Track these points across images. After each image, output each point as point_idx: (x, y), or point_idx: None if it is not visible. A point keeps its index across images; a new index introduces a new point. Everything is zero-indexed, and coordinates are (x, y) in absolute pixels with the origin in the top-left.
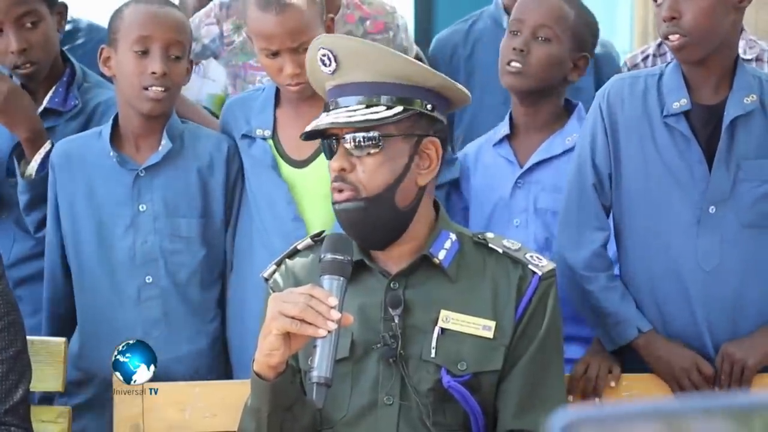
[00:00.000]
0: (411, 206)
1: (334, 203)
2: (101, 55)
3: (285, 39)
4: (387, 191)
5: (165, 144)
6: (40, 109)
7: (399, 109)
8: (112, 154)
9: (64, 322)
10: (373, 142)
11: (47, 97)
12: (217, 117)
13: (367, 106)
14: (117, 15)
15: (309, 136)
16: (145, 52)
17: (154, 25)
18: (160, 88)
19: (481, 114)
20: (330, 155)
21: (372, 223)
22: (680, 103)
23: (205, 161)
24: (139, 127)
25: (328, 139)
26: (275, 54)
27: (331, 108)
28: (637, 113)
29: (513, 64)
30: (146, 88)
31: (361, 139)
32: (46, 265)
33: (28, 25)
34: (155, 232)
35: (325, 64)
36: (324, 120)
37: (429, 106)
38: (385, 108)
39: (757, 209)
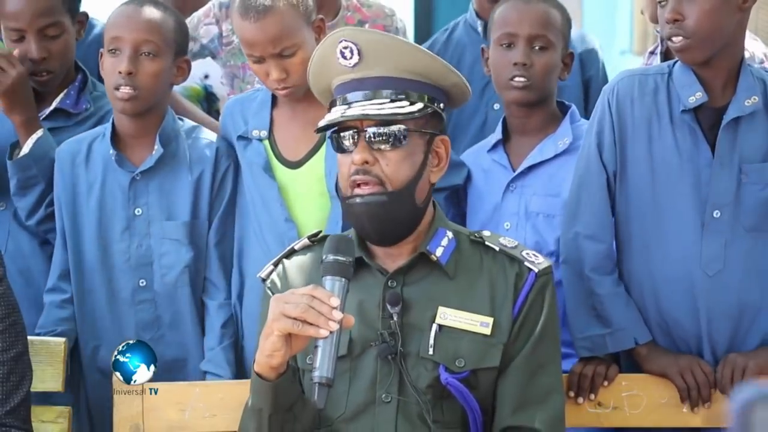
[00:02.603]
0: (425, 203)
1: (353, 197)
2: (101, 57)
3: (266, 45)
4: (409, 186)
5: (157, 149)
6: (51, 108)
7: (420, 105)
8: (111, 152)
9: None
10: (399, 136)
11: (58, 98)
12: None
13: (391, 101)
14: (108, 18)
15: (323, 128)
16: (116, 52)
17: (123, 26)
18: (126, 88)
19: (462, 117)
20: (339, 149)
21: (393, 218)
22: (695, 96)
23: (196, 164)
24: (128, 127)
25: (343, 132)
26: (260, 59)
27: (350, 101)
28: (647, 113)
29: (517, 79)
30: (117, 88)
31: (389, 133)
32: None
33: (50, 35)
34: (149, 236)
35: (345, 57)
36: (352, 111)
37: (441, 105)
38: (408, 103)
39: (761, 213)
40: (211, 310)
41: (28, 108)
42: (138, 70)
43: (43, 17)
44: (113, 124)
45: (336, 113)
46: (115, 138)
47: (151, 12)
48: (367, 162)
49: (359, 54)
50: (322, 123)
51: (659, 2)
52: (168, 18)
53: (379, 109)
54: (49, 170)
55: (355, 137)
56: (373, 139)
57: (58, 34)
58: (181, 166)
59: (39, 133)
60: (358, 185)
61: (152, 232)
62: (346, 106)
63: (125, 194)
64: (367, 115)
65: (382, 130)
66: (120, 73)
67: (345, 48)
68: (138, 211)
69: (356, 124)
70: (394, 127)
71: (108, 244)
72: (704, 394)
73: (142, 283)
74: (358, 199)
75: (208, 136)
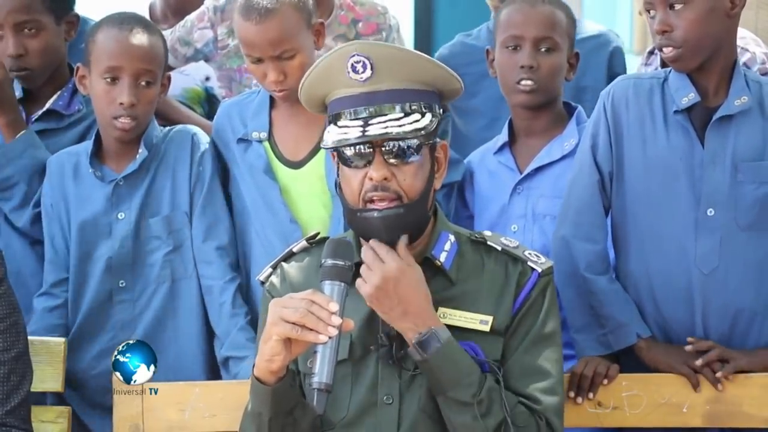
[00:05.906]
0: (431, 209)
1: (368, 210)
2: (77, 72)
3: (266, 47)
4: (423, 196)
5: (141, 152)
6: (43, 110)
7: (430, 117)
8: (90, 170)
9: None
10: (414, 150)
11: (51, 99)
12: (192, 109)
13: (406, 115)
14: (91, 36)
15: (337, 146)
16: (114, 80)
17: (124, 56)
18: (127, 119)
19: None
20: (346, 162)
21: (408, 228)
22: (688, 97)
23: (173, 159)
24: (115, 145)
25: (354, 147)
26: (259, 60)
27: (363, 116)
28: (641, 114)
29: (524, 82)
30: (116, 118)
31: (406, 148)
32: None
33: (28, 32)
34: (130, 238)
35: (357, 71)
36: (374, 131)
37: (441, 110)
38: (420, 115)
39: (757, 212)
40: (215, 293)
41: (12, 109)
42: (138, 99)
43: (19, 14)
44: (98, 137)
45: (354, 132)
46: (99, 148)
47: (146, 38)
48: (386, 178)
49: (372, 68)
50: (333, 142)
51: (648, 12)
52: (158, 40)
53: (399, 127)
54: (30, 171)
55: (371, 153)
56: (391, 154)
57: (36, 32)
58: (162, 166)
59: (22, 133)
60: (373, 200)
61: (134, 234)
62: (361, 123)
63: (108, 200)
64: (390, 134)
65: (401, 144)
66: (122, 104)
67: (357, 62)
68: (120, 215)
69: (371, 140)
70: (409, 142)
71: (90, 250)
72: (716, 368)
73: (122, 284)
74: (375, 213)
75: (180, 130)
